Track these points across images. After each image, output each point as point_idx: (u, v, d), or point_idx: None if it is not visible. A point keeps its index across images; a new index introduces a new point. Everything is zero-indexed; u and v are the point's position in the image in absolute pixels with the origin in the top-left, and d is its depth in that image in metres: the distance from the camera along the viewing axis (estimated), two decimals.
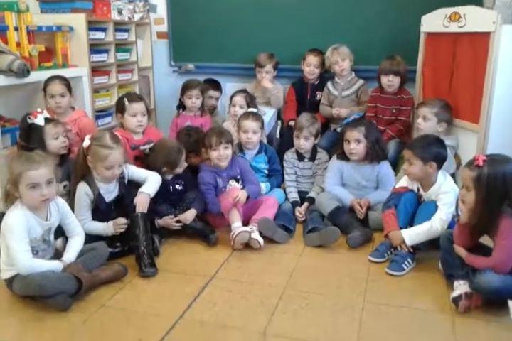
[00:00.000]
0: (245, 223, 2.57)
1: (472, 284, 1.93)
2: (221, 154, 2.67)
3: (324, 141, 3.35)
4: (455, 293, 1.96)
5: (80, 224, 2.20)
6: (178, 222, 2.57)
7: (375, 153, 2.71)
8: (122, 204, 2.43)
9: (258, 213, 2.60)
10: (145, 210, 2.36)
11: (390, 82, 3.28)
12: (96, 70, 3.55)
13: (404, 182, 2.49)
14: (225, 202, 2.55)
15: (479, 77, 2.77)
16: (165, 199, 2.63)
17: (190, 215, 2.59)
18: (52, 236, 2.09)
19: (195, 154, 2.86)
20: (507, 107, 2.72)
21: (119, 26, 3.83)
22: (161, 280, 2.17)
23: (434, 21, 3.17)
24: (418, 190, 2.42)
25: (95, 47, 3.53)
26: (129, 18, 3.96)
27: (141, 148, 2.74)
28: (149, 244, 2.29)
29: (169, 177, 2.69)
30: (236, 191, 2.58)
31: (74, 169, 2.39)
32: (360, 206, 2.67)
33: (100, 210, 2.39)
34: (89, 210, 2.36)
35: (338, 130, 3.57)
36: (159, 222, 2.57)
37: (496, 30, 2.63)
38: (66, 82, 2.92)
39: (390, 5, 3.63)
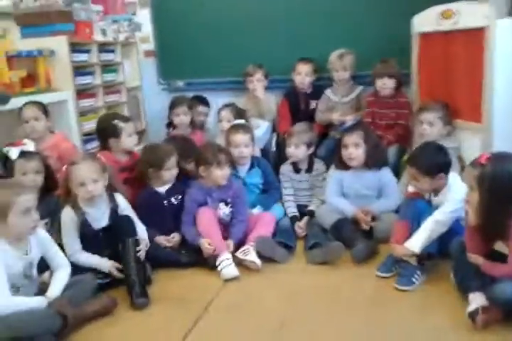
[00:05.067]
0: (242, 242, 2.44)
1: (487, 294, 1.77)
2: (227, 173, 2.53)
3: (323, 150, 3.24)
4: (471, 307, 1.79)
5: (64, 256, 2.06)
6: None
7: (374, 158, 2.58)
8: (111, 234, 2.28)
9: (255, 232, 2.46)
10: (136, 237, 2.24)
11: (385, 85, 3.18)
12: (82, 93, 3.45)
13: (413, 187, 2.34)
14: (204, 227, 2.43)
15: (477, 74, 2.66)
16: (159, 220, 2.49)
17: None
18: (34, 271, 1.95)
19: (187, 160, 2.71)
20: (509, 103, 2.60)
21: (104, 47, 3.74)
22: (155, 312, 2.02)
23: (426, 20, 3.06)
24: (430, 194, 2.28)
25: (80, 70, 3.44)
26: (113, 38, 3.88)
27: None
28: (141, 272, 2.15)
29: (163, 189, 2.56)
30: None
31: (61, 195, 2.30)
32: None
33: (87, 238, 2.25)
34: (77, 238, 2.23)
35: (337, 136, 3.46)
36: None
37: (489, 25, 2.51)
38: (40, 105, 2.81)
39: (380, 9, 3.55)
